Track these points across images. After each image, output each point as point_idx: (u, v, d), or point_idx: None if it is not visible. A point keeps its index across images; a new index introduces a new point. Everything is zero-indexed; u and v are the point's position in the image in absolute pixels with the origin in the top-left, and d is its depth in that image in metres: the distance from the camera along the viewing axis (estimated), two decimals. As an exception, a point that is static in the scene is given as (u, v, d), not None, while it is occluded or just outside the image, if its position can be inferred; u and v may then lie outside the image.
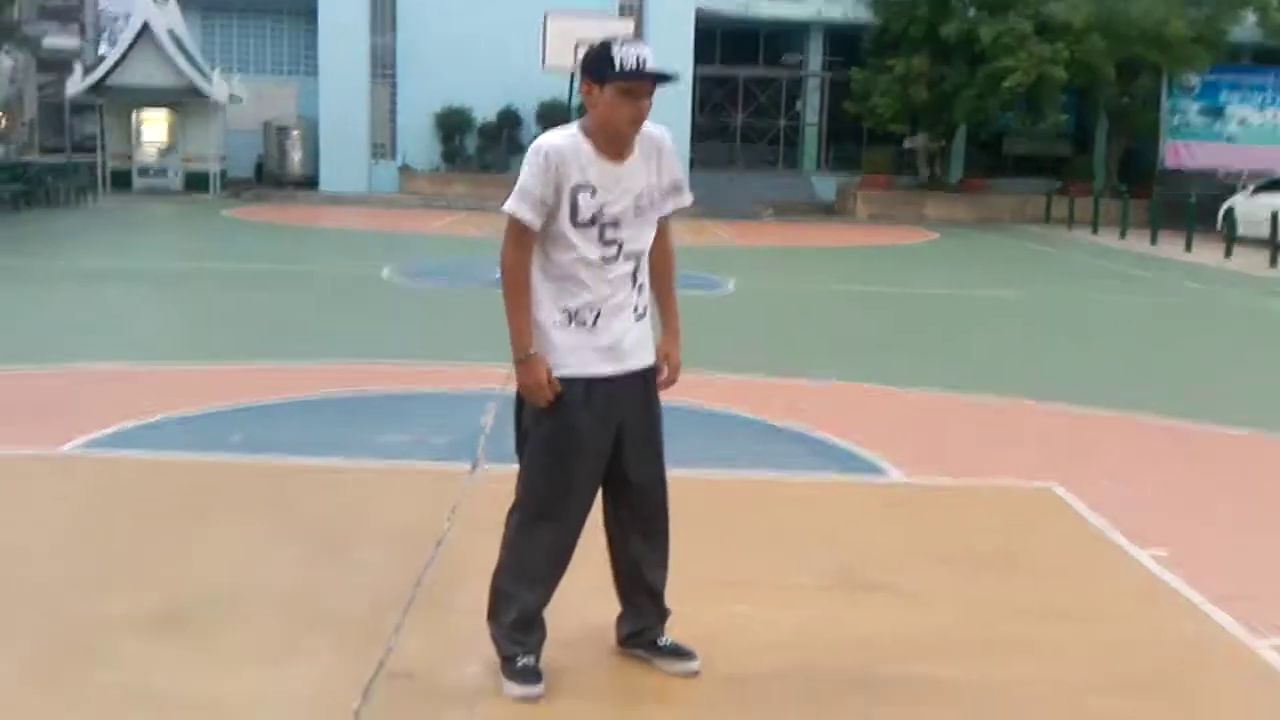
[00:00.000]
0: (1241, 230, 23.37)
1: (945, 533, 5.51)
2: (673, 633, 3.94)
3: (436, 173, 33.11)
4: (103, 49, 38.76)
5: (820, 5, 34.32)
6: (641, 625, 3.92)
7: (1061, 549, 5.36)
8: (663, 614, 3.93)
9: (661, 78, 3.53)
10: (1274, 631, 4.38)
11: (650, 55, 3.53)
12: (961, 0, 30.30)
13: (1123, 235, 26.18)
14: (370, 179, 32.76)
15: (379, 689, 3.70)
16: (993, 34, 28.76)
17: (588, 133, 3.61)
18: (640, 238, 3.68)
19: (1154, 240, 24.57)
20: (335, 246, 20.54)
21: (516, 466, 3.77)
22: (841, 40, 34.45)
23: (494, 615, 3.78)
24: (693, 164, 30.43)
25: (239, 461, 6.31)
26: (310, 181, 32.34)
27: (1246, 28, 30.90)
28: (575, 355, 3.60)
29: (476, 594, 4.40)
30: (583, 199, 3.56)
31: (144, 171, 31.20)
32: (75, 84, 30.58)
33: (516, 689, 3.66)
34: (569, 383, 3.58)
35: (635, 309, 3.69)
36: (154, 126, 31.26)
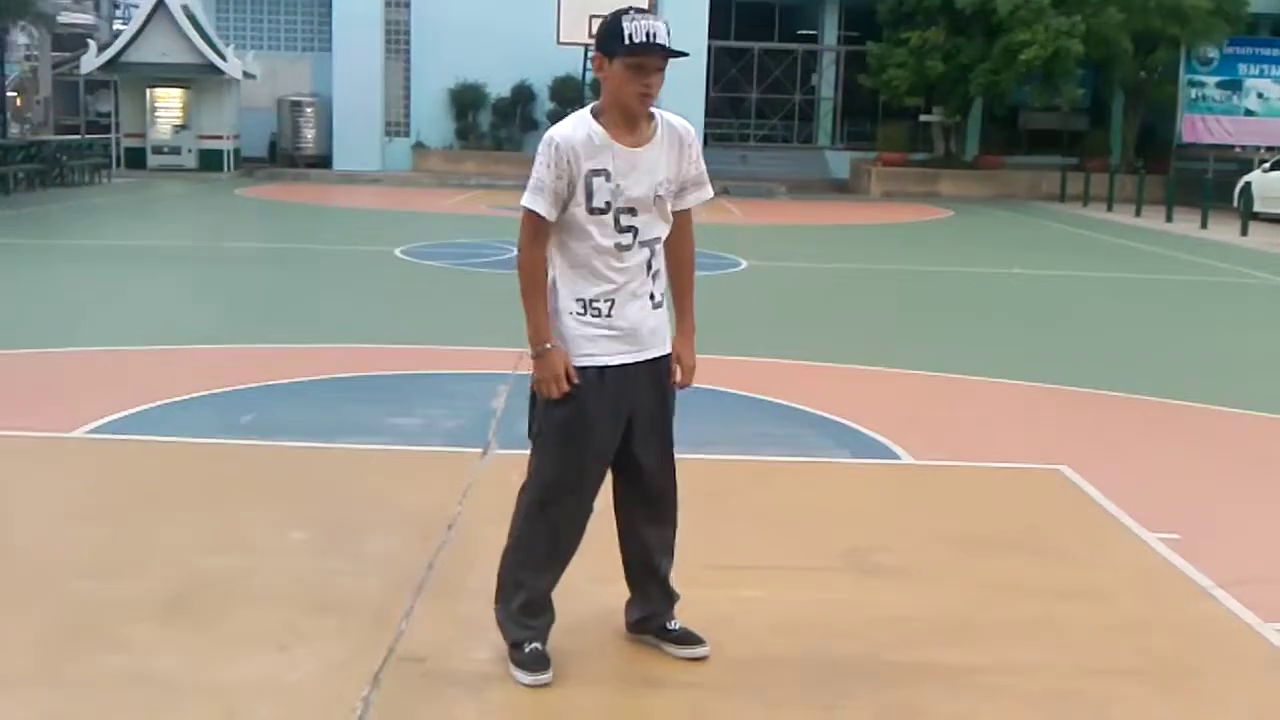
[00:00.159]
0: (1258, 206, 23.22)
1: (955, 515, 5.52)
2: (681, 616, 3.96)
3: (450, 150, 33.10)
4: (117, 26, 38.78)
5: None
6: (650, 610, 3.94)
7: (1071, 531, 5.36)
8: (671, 599, 3.95)
9: (671, 53, 3.49)
10: (1282, 616, 4.38)
11: (662, 28, 3.48)
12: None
13: (1138, 212, 26.04)
14: (384, 157, 32.76)
15: (389, 673, 3.72)
16: (1009, 6, 28.58)
17: (600, 114, 3.59)
18: (657, 226, 3.65)
19: (1169, 217, 24.43)
20: (348, 225, 20.57)
21: (528, 451, 3.78)
22: (858, 13, 34.25)
23: (501, 600, 3.81)
24: (706, 140, 30.38)
25: (248, 444, 6.34)
26: (324, 160, 32.34)
27: (1267, 0, 30.65)
28: (592, 344, 3.60)
29: (488, 578, 4.42)
30: (597, 184, 3.54)
31: (158, 149, 31.24)
32: (90, 61, 30.63)
33: (525, 676, 3.68)
34: (584, 370, 3.59)
35: (652, 297, 3.68)
36: (168, 104, 31.30)
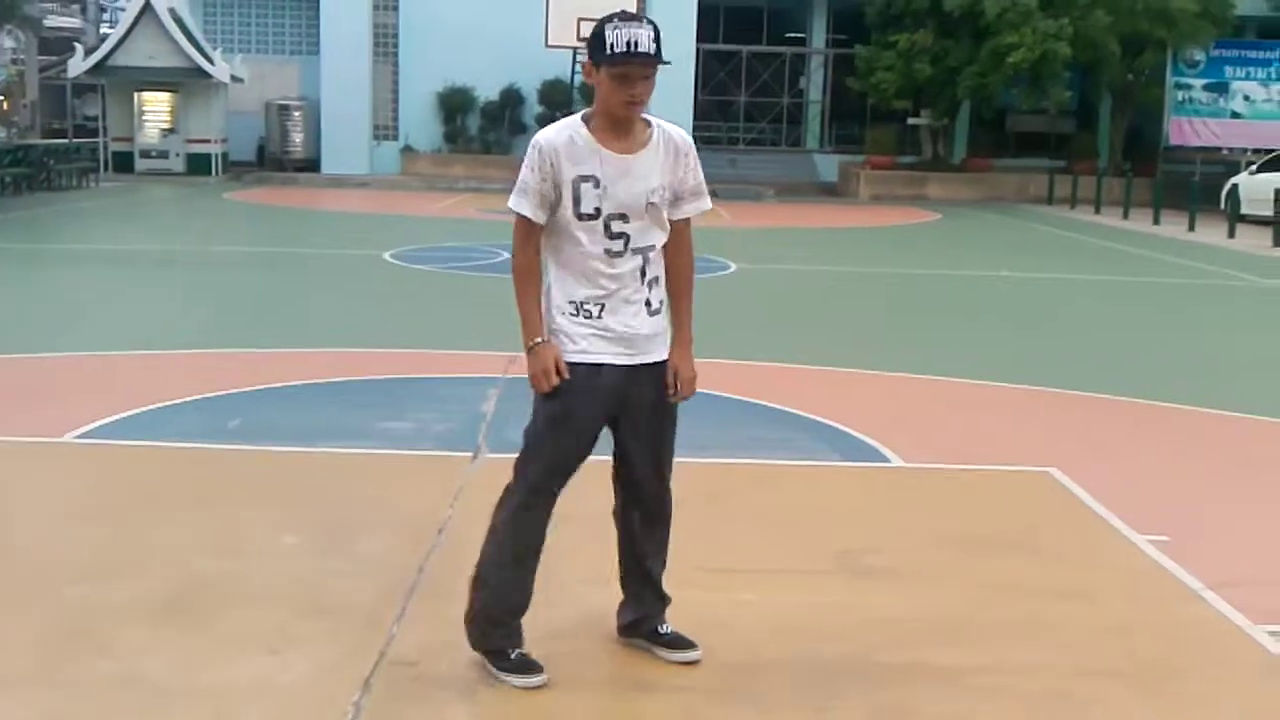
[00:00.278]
0: (1245, 209, 23.30)
1: (945, 517, 5.53)
2: (673, 620, 3.96)
3: (439, 153, 33.07)
4: (104, 29, 38.67)
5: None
6: (642, 613, 3.94)
7: (1060, 533, 5.38)
8: (663, 602, 3.95)
9: (654, 61, 3.49)
10: (1271, 618, 4.39)
11: (645, 36, 3.47)
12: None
13: (1126, 215, 26.13)
14: (372, 160, 32.74)
15: (381, 677, 3.72)
16: (997, 9, 28.67)
17: (590, 120, 3.61)
18: (650, 234, 3.65)
19: (1157, 220, 24.53)
20: (337, 229, 20.54)
21: (517, 455, 3.78)
22: (846, 16, 34.32)
23: (474, 616, 3.76)
24: (695, 143, 30.36)
25: (238, 449, 6.33)
26: (312, 164, 32.30)
27: (1252, 2, 30.77)
28: (585, 341, 3.61)
29: (478, 582, 4.43)
30: (585, 190, 3.55)
31: (146, 153, 31.19)
32: (77, 65, 30.56)
33: (519, 679, 3.68)
34: (575, 367, 3.60)
35: (649, 304, 3.67)
36: (156, 108, 31.24)
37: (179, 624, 4.08)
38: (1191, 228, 23.03)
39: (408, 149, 33.10)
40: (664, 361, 3.71)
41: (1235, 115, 32.67)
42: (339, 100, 32.05)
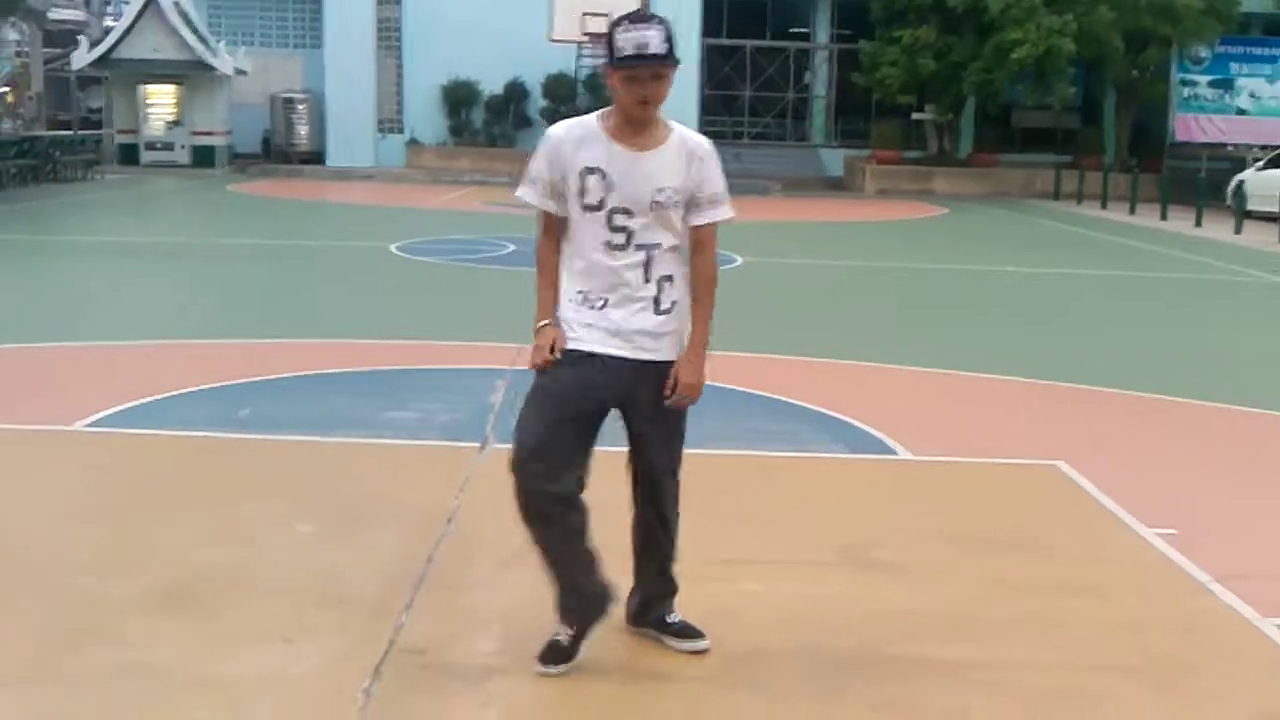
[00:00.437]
0: (1251, 205, 23.27)
1: (952, 511, 5.53)
2: (681, 610, 3.97)
3: (443, 146, 33.06)
4: (108, 22, 38.67)
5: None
6: (644, 595, 3.97)
7: (1068, 527, 5.37)
8: (670, 590, 3.96)
9: (662, 61, 3.52)
10: (1279, 611, 4.39)
11: (654, 38, 3.50)
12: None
13: (1132, 210, 26.09)
14: (377, 153, 32.73)
15: (390, 666, 3.73)
16: (1001, 4, 28.63)
17: (607, 118, 3.67)
18: (656, 232, 3.65)
19: (1164, 215, 24.48)
20: (342, 221, 20.54)
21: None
22: (850, 11, 34.28)
23: None
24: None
25: (246, 439, 6.34)
26: (317, 156, 32.31)
27: (1258, -1, 30.74)
28: (583, 330, 3.65)
29: (487, 570, 4.45)
30: (591, 182, 3.61)
31: (151, 146, 31.22)
32: (81, 57, 30.56)
33: (535, 659, 3.74)
34: (570, 351, 3.65)
35: (657, 302, 3.67)
36: (161, 100, 31.25)
37: (188, 614, 4.08)
38: (1198, 223, 23.00)
39: (413, 142, 33.09)
40: (670, 362, 3.70)
41: (1241, 112, 32.64)
42: (343, 93, 32.07)
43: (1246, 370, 9.30)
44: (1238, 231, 21.80)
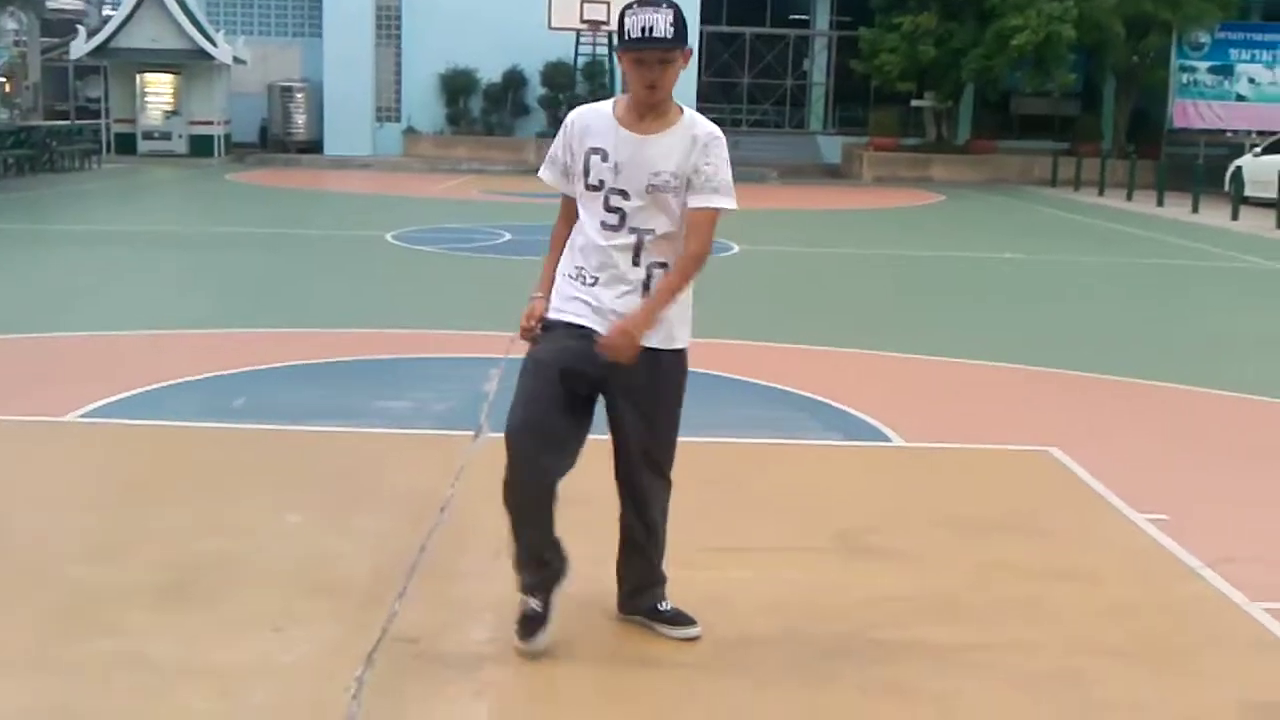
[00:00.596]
0: (1249, 191, 23.26)
1: (945, 497, 5.55)
2: (673, 597, 3.98)
3: (441, 135, 33.02)
4: (107, 11, 38.56)
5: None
6: (630, 585, 3.98)
7: (1060, 513, 5.39)
8: (658, 579, 3.97)
9: (665, 43, 3.54)
10: (1269, 595, 4.41)
11: (663, 20, 3.54)
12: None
13: (1129, 197, 26.08)
14: (375, 142, 32.70)
15: (383, 654, 3.74)
16: (1001, -9, 28.58)
17: (621, 101, 3.75)
18: (649, 217, 3.67)
19: (1160, 202, 24.47)
20: (340, 210, 20.55)
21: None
22: (850, -2, 34.22)
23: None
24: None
25: (241, 428, 6.35)
26: (315, 145, 32.27)
27: (1258, -15, 30.67)
28: (568, 303, 3.73)
29: (480, 559, 4.47)
30: (594, 162, 3.68)
31: (148, 135, 31.15)
32: (79, 47, 30.50)
33: (515, 639, 3.76)
34: (552, 322, 3.73)
35: (646, 287, 3.69)
36: (158, 89, 31.19)
37: (182, 604, 4.10)
38: (1195, 210, 22.99)
39: (410, 131, 33.04)
40: (654, 349, 3.71)
41: (1240, 98, 32.55)
42: (341, 82, 32.01)
43: (1239, 357, 9.31)
44: (1235, 218, 21.79)
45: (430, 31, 32.33)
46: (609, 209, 3.68)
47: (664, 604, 3.97)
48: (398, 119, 33.39)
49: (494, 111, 33.18)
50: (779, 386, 7.59)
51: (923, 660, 3.85)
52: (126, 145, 30.94)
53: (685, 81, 30.63)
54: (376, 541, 4.71)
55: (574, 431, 3.73)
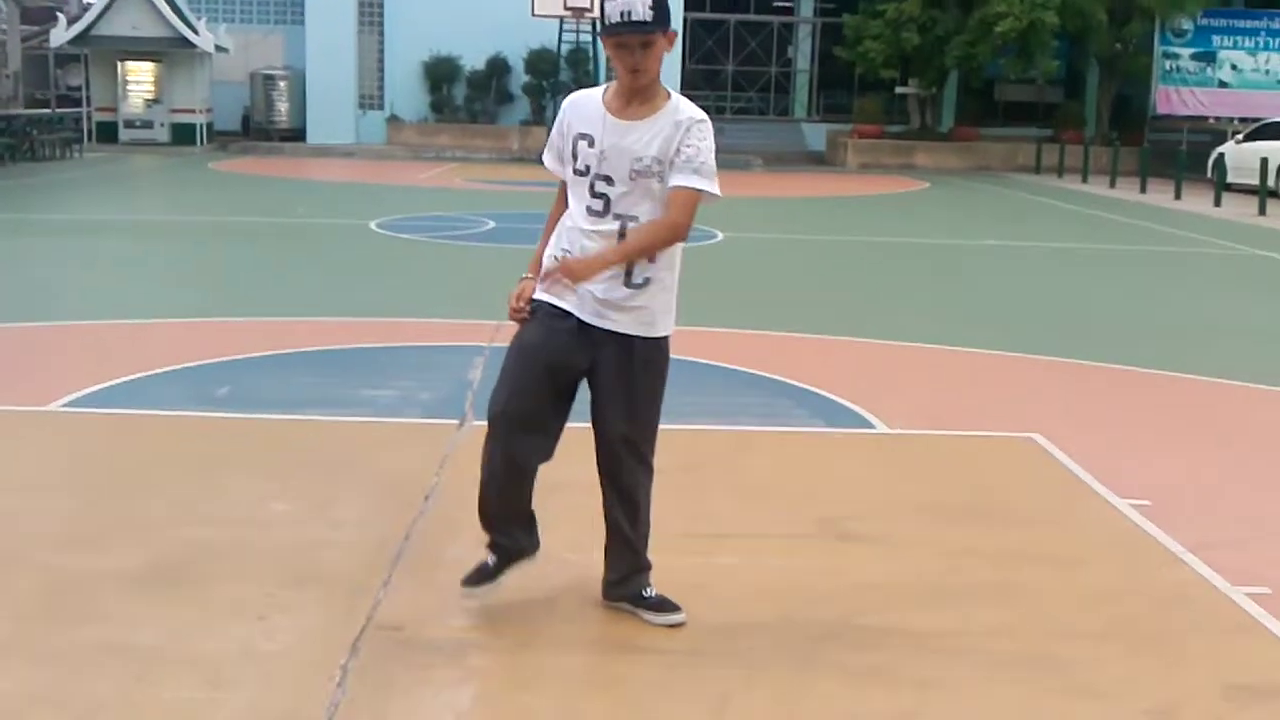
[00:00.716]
0: (1231, 178, 23.35)
1: (928, 483, 5.56)
2: (658, 584, 3.99)
3: (425, 123, 32.93)
4: (86, -1, 38.36)
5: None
6: (615, 574, 3.98)
7: (1043, 499, 5.42)
8: (642, 566, 3.98)
9: (643, 26, 3.53)
10: (1250, 580, 4.44)
11: (641, 4, 3.53)
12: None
13: (1113, 184, 26.16)
14: (358, 130, 32.60)
15: (368, 642, 3.75)
16: (985, -22, 28.61)
17: (609, 87, 3.77)
18: (634, 203, 3.68)
19: (1143, 189, 24.56)
20: (323, 199, 20.47)
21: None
22: (835, -15, 34.23)
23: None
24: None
25: (225, 417, 6.34)
26: (297, 133, 32.15)
27: (1240, -29, 30.75)
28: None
29: (465, 547, 4.46)
30: (581, 148, 3.71)
31: (130, 124, 31.00)
32: (60, 35, 30.31)
33: (461, 588, 3.96)
34: (540, 304, 3.76)
35: (629, 273, 3.70)
36: (140, 78, 31.03)
37: (167, 592, 4.09)
38: (1178, 196, 23.07)
39: (393, 119, 32.94)
40: (635, 336, 3.73)
41: (1222, 84, 32.67)
42: (324, 70, 31.89)
43: (1222, 343, 9.36)
44: (1217, 204, 21.88)
45: (413, 18, 32.22)
46: (594, 195, 3.70)
47: (648, 591, 3.98)
48: (381, 107, 33.29)
49: (477, 99, 33.10)
50: (763, 374, 7.60)
51: (907, 646, 3.87)
52: (108, 134, 30.78)
53: (670, 69, 30.79)
54: (361, 530, 4.71)
55: (555, 418, 3.79)
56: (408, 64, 32.69)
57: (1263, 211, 20.63)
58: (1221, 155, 25.15)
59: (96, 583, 4.15)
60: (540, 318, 3.75)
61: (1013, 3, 28.44)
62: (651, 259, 3.72)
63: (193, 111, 31.05)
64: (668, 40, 3.63)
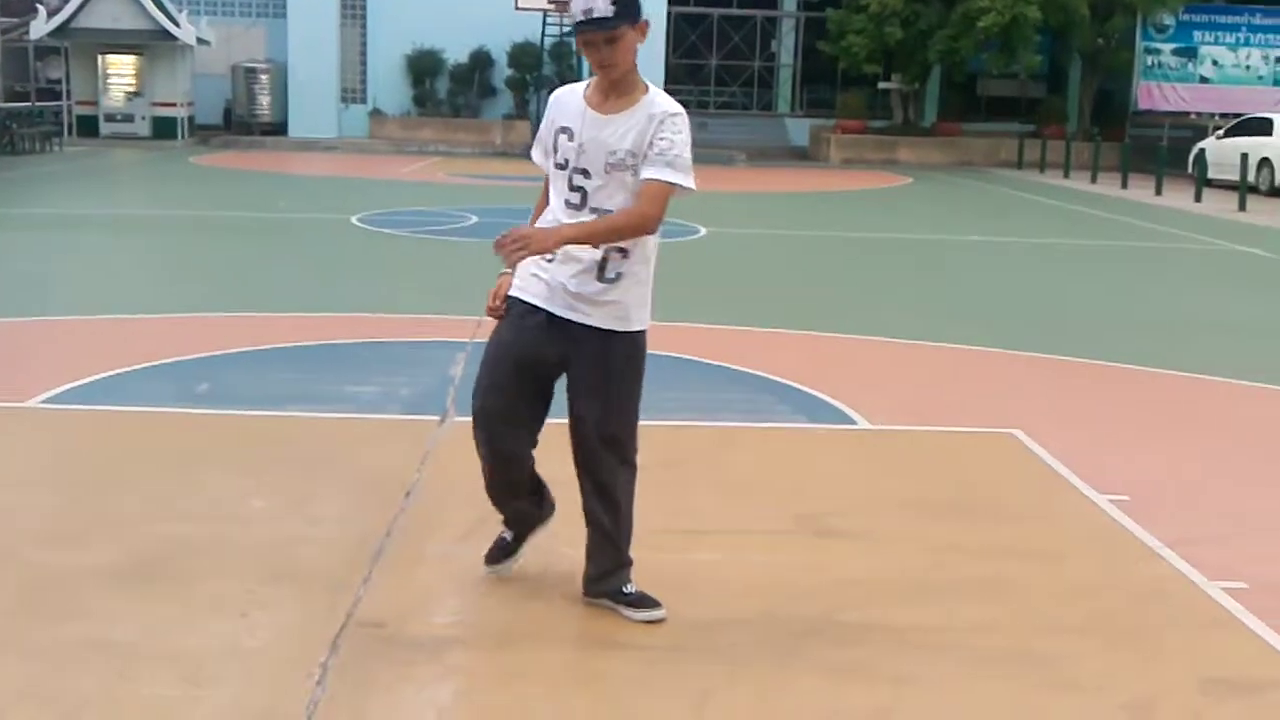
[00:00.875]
0: (1212, 173, 23.45)
1: (909, 479, 5.58)
2: (639, 579, 4.00)
3: (407, 117, 32.83)
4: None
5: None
6: (595, 569, 3.99)
7: (1022, 495, 5.44)
8: (622, 562, 3.98)
9: (604, 22, 3.52)
10: (1228, 575, 4.47)
11: (600, 2, 3.51)
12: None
13: (1094, 179, 26.26)
14: (340, 124, 32.48)
15: (348, 639, 3.74)
16: (967, -27, 28.65)
17: (591, 82, 3.78)
18: (609, 196, 3.69)
19: (1125, 184, 24.66)
20: (305, 193, 20.40)
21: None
22: (818, -20, 34.21)
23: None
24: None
25: (205, 413, 6.32)
26: (279, 127, 32.02)
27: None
28: (527, 280, 3.79)
29: (446, 544, 4.47)
30: (561, 141, 3.74)
31: (111, 117, 30.82)
32: (39, 27, 30.11)
33: (484, 566, 4.17)
34: (513, 300, 3.80)
35: (602, 268, 3.71)
36: (121, 71, 30.85)
37: (147, 589, 4.08)
38: (1159, 192, 23.17)
39: (376, 112, 32.83)
40: (608, 330, 3.75)
41: (1204, 80, 32.82)
42: (306, 63, 31.76)
43: (1201, 338, 9.40)
44: (1198, 200, 21.98)
45: (396, 12, 32.11)
46: (572, 188, 3.73)
47: (629, 587, 3.98)
48: (363, 100, 33.18)
49: (460, 93, 33.01)
50: (745, 369, 7.61)
51: (888, 641, 3.88)
52: (88, 127, 30.60)
53: (653, 63, 30.72)
54: (342, 526, 4.71)
55: (531, 412, 3.85)
56: (390, 57, 32.58)
57: (1243, 207, 20.72)
58: (1202, 151, 25.23)
59: (77, 579, 4.14)
60: (511, 315, 3.80)
61: (995, -3, 28.51)
62: (623, 253, 3.72)
63: (174, 105, 30.90)
64: (638, 31, 3.61)
